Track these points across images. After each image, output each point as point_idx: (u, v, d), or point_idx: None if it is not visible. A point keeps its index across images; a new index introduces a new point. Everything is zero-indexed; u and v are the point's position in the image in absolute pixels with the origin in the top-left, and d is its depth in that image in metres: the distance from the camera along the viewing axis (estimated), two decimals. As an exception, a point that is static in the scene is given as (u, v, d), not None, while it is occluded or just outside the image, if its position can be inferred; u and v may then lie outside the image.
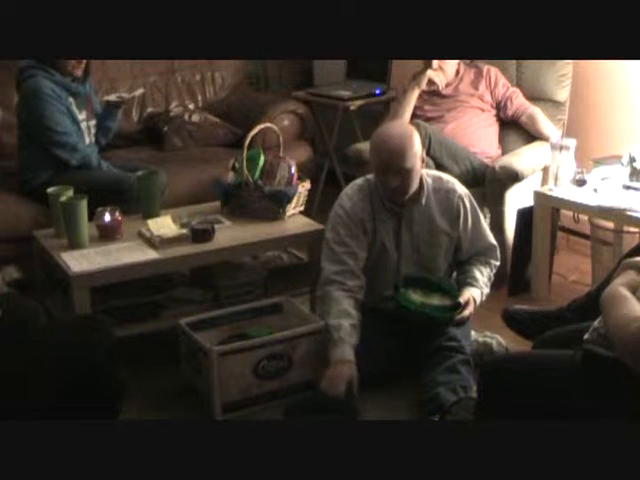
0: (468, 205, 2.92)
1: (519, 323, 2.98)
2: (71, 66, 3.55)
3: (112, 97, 3.88)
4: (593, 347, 2.03)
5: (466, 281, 2.92)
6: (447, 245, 2.93)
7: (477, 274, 2.93)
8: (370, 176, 2.92)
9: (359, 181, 2.94)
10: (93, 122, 3.72)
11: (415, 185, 2.83)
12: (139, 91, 4.20)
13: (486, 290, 2.94)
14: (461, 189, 2.94)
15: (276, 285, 3.29)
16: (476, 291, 2.89)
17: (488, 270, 2.97)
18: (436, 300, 2.83)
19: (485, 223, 3.04)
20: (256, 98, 4.68)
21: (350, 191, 2.92)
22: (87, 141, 3.67)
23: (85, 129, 3.66)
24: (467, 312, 2.83)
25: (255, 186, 3.22)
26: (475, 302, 2.88)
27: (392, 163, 2.76)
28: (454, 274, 3.03)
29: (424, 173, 2.91)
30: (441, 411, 2.56)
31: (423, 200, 2.86)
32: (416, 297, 2.81)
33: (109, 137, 3.85)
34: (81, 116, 3.64)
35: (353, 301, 2.79)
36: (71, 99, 3.59)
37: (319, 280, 2.88)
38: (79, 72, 3.60)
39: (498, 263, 3.02)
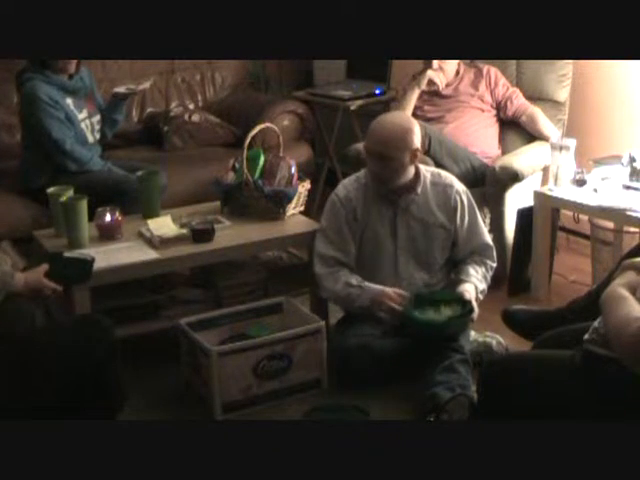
0: (465, 201, 2.97)
1: (519, 323, 2.98)
2: (62, 63, 3.53)
3: (121, 89, 3.80)
4: (593, 347, 2.04)
5: (459, 278, 2.94)
6: (443, 238, 2.95)
7: (471, 270, 2.95)
8: None
9: (359, 172, 3.05)
10: (97, 118, 3.69)
11: (400, 179, 2.89)
12: (147, 83, 4.14)
13: (481, 286, 2.93)
14: (459, 185, 3.00)
15: (276, 285, 3.29)
16: (470, 286, 2.89)
17: (483, 269, 2.97)
18: (448, 311, 2.82)
19: (482, 223, 3.06)
20: (256, 98, 4.67)
21: (347, 181, 3.05)
22: (90, 139, 3.64)
23: (87, 127, 3.63)
24: (476, 307, 2.84)
25: (255, 186, 3.22)
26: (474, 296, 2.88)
27: (375, 148, 2.86)
28: (452, 275, 3.03)
29: (422, 168, 2.96)
30: (437, 409, 2.55)
31: (419, 189, 2.89)
32: (435, 315, 2.81)
33: (115, 129, 3.83)
34: (81, 115, 3.61)
35: (354, 276, 2.90)
36: (69, 99, 3.57)
37: (314, 261, 2.97)
38: (72, 68, 3.58)
39: (494, 264, 3.02)
